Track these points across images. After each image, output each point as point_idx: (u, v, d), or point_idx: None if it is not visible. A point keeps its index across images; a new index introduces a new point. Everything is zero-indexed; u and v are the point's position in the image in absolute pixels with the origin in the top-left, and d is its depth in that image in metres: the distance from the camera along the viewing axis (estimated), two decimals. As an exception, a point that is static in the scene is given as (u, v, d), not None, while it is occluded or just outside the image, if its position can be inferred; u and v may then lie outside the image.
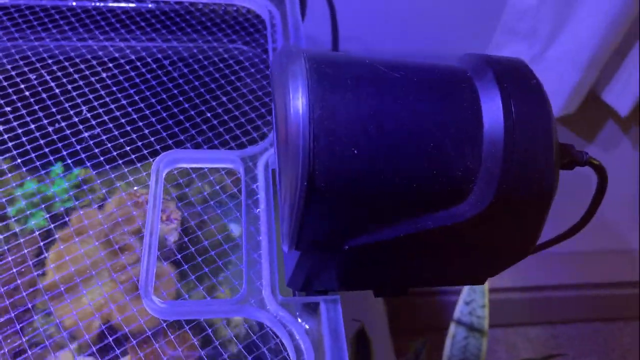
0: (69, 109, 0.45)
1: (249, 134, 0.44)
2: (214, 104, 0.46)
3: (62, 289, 0.37)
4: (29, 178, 0.42)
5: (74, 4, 0.50)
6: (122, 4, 0.52)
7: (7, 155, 0.42)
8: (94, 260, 0.38)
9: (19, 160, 0.41)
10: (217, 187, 0.40)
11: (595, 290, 1.30)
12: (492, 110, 0.27)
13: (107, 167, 0.42)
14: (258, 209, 0.37)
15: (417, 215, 0.28)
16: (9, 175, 0.42)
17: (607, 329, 1.32)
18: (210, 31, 0.51)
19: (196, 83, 0.48)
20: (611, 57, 0.88)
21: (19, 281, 0.36)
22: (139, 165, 0.42)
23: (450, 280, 0.35)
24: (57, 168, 0.43)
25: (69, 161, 0.41)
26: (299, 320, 0.32)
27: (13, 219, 0.40)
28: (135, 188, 0.42)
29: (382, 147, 0.26)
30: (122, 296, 0.37)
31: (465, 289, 0.71)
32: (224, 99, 0.46)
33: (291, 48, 0.27)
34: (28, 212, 0.41)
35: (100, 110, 0.45)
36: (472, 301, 0.69)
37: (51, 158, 0.41)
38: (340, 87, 0.26)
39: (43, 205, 0.41)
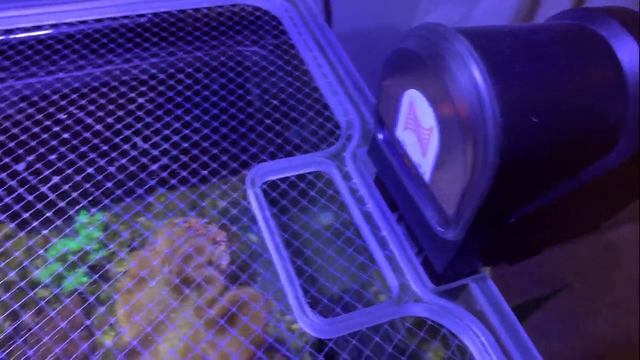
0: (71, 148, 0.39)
1: (316, 134, 0.43)
2: (265, 112, 0.43)
3: (135, 343, 0.33)
4: (45, 232, 0.36)
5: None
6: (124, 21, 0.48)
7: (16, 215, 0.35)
8: (161, 305, 0.35)
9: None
10: (313, 193, 0.39)
11: None
12: (628, 55, 0.27)
13: (129, 200, 0.36)
14: (367, 206, 0.36)
15: (576, 171, 0.28)
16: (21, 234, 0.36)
17: None
18: (228, 35, 0.49)
19: (223, 92, 0.45)
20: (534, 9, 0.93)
21: (84, 346, 0.32)
22: (163, 190, 0.38)
23: (575, 232, 0.35)
24: (80, 214, 0.39)
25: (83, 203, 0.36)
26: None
27: (48, 281, 0.36)
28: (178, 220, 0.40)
29: (552, 111, 0.26)
30: (203, 334, 0.34)
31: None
32: (269, 107, 0.45)
33: (431, 28, 0.26)
34: (61, 270, 0.37)
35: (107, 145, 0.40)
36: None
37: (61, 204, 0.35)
38: (504, 58, 0.25)
39: (75, 258, 0.37)
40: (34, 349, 0.31)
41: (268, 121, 0.42)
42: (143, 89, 0.43)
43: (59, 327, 0.31)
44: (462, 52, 0.25)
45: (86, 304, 0.34)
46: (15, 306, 0.31)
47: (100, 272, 0.35)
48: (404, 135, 0.31)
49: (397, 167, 0.33)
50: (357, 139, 0.40)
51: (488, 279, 0.33)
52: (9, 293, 0.33)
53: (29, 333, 0.33)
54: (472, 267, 0.33)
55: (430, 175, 0.29)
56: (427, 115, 0.27)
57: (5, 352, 0.32)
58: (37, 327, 0.33)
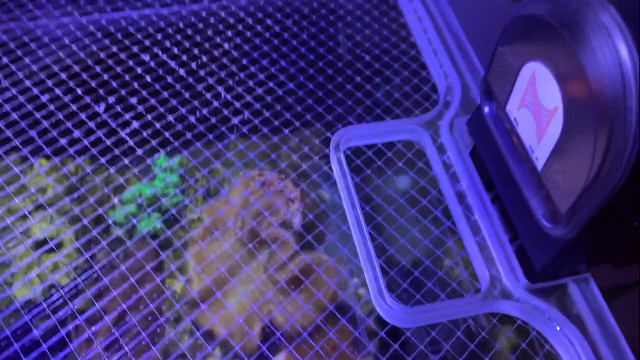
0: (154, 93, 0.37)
1: (409, 97, 0.40)
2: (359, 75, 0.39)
3: (204, 306, 0.32)
4: (121, 179, 0.35)
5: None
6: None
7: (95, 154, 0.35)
8: (232, 266, 0.34)
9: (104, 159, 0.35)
10: (400, 164, 0.36)
11: None
12: None
13: (208, 154, 0.35)
14: (460, 184, 0.33)
15: None
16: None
17: None
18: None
19: (302, 41, 0.41)
20: None
21: (159, 299, 0.31)
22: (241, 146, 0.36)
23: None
24: (159, 160, 0.38)
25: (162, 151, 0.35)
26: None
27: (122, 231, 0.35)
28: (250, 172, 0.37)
29: None
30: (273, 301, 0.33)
31: None
32: (359, 63, 0.41)
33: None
34: (136, 219, 0.36)
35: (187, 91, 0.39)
36: None
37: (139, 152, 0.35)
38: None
39: (150, 210, 0.36)
40: (105, 300, 0.31)
41: (358, 78, 0.38)
42: (229, 33, 0.40)
43: (129, 281, 0.31)
44: (609, 25, 0.20)
45: (158, 259, 0.33)
46: (91, 252, 0.31)
47: (174, 223, 0.34)
48: (518, 113, 0.27)
49: (502, 146, 0.29)
50: (455, 107, 0.36)
51: (591, 281, 0.29)
52: (84, 238, 0.32)
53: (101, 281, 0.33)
54: (574, 268, 0.29)
55: (544, 163, 0.25)
56: (551, 94, 0.23)
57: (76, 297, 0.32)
58: (109, 275, 0.32)
